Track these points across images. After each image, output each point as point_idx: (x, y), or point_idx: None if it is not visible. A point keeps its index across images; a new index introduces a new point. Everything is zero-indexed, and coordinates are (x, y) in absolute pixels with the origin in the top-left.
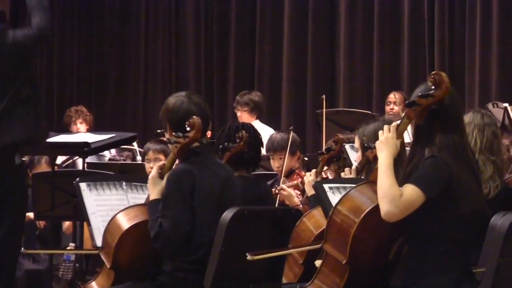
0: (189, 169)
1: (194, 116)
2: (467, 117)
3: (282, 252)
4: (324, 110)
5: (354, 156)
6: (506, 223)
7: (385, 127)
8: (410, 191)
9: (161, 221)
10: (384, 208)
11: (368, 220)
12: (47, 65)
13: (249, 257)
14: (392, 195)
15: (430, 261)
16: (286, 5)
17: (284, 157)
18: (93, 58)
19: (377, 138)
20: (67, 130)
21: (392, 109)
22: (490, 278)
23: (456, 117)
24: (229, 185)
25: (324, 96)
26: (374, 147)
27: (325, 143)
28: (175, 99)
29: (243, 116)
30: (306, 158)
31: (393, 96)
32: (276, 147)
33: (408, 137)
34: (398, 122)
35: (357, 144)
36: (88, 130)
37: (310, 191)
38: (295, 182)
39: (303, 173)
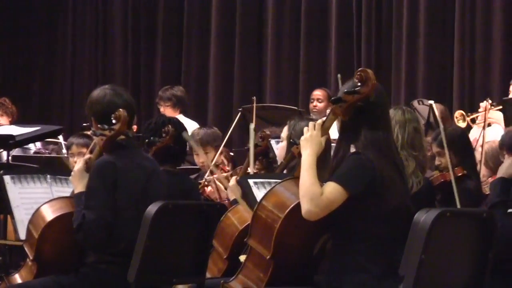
0: (112, 161)
1: (120, 109)
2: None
3: None
4: (254, 105)
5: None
6: (429, 220)
7: (310, 124)
8: (331, 189)
9: (83, 213)
10: (305, 207)
11: (293, 216)
12: None
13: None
14: (312, 194)
15: (354, 257)
16: (214, 0)
17: (216, 152)
18: (18, 50)
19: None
20: None
21: (316, 106)
22: (412, 274)
23: (382, 113)
24: (153, 178)
25: (254, 98)
26: (299, 143)
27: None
28: (99, 91)
29: (166, 111)
30: (232, 153)
31: (317, 93)
32: (199, 142)
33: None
34: (324, 119)
35: (284, 134)
36: (11, 123)
37: (232, 196)
38: (225, 174)
39: (227, 168)
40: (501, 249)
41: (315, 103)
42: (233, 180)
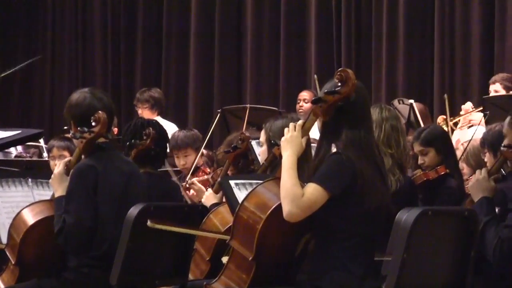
0: (92, 164)
1: (100, 111)
2: None
3: (181, 229)
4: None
5: (259, 151)
6: (411, 218)
7: (291, 124)
8: (312, 190)
9: (64, 217)
10: (286, 208)
11: (275, 217)
12: None
13: (149, 224)
14: (293, 195)
15: (335, 257)
16: (193, 1)
17: (197, 154)
18: None
19: (283, 135)
20: None
21: (302, 106)
22: (395, 273)
23: (363, 113)
24: (133, 181)
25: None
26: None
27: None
28: (78, 94)
29: (144, 113)
30: (211, 154)
31: (304, 94)
32: (180, 145)
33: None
34: (304, 119)
35: (262, 138)
36: None
37: (209, 204)
38: (205, 177)
39: (208, 170)
40: (504, 263)
41: (301, 103)
42: (209, 190)
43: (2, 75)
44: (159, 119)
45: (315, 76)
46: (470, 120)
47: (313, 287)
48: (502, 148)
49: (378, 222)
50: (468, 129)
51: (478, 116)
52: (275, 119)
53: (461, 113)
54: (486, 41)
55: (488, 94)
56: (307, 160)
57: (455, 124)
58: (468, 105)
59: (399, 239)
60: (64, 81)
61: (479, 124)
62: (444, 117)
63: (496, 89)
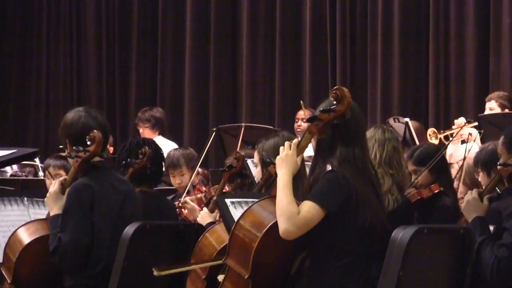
0: (89, 183)
1: (95, 130)
2: (369, 132)
3: (187, 267)
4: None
5: (255, 171)
6: (407, 237)
7: (286, 143)
8: (308, 208)
9: (59, 236)
10: (282, 226)
11: (270, 235)
12: None
13: (155, 273)
14: (289, 213)
15: (331, 274)
16: (188, 21)
17: (192, 173)
18: None
19: (277, 153)
20: None
21: (300, 125)
22: None
23: (358, 131)
24: (129, 200)
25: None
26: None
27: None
28: (73, 114)
29: (145, 132)
30: (207, 173)
31: (302, 113)
32: (175, 164)
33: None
34: (299, 138)
35: (256, 159)
36: None
37: (204, 222)
38: (198, 196)
39: (204, 189)
40: (501, 282)
41: (299, 122)
42: (205, 209)
43: None
44: (160, 139)
45: (301, 102)
46: (462, 135)
47: None
48: (498, 167)
49: (373, 238)
50: (462, 144)
51: (471, 131)
52: (267, 139)
53: (454, 127)
54: (481, 57)
55: (483, 111)
56: (301, 178)
57: (446, 137)
58: (462, 120)
59: (395, 257)
60: (59, 101)
61: (474, 141)
62: (434, 129)
63: (491, 106)
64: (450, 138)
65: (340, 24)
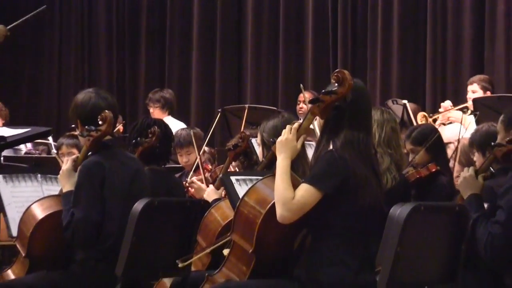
0: (100, 161)
1: (106, 111)
2: None
3: (204, 252)
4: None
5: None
6: (404, 213)
7: (287, 127)
8: (302, 192)
9: (72, 211)
10: (278, 211)
11: (274, 211)
12: None
13: (180, 265)
14: (284, 198)
15: (331, 251)
16: (195, 4)
17: (199, 152)
18: (6, 53)
19: (276, 133)
20: None
21: (302, 107)
22: (388, 266)
23: (361, 113)
24: (138, 177)
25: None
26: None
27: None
28: (83, 95)
29: (155, 112)
30: (213, 151)
31: (303, 95)
32: (182, 143)
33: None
34: (300, 122)
35: (258, 140)
36: (4, 125)
37: (211, 199)
38: (205, 175)
39: (210, 167)
40: (495, 258)
41: (301, 104)
42: (211, 186)
43: (9, 27)
44: (170, 119)
45: (301, 85)
46: (449, 117)
47: (310, 280)
48: (494, 147)
49: (372, 219)
50: (446, 126)
51: (457, 114)
52: (268, 120)
53: (440, 110)
54: (477, 44)
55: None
56: (303, 156)
57: (434, 120)
58: (447, 103)
59: (392, 233)
60: (70, 82)
61: (461, 123)
62: (424, 113)
63: (473, 89)
64: (437, 121)
65: (341, 9)
